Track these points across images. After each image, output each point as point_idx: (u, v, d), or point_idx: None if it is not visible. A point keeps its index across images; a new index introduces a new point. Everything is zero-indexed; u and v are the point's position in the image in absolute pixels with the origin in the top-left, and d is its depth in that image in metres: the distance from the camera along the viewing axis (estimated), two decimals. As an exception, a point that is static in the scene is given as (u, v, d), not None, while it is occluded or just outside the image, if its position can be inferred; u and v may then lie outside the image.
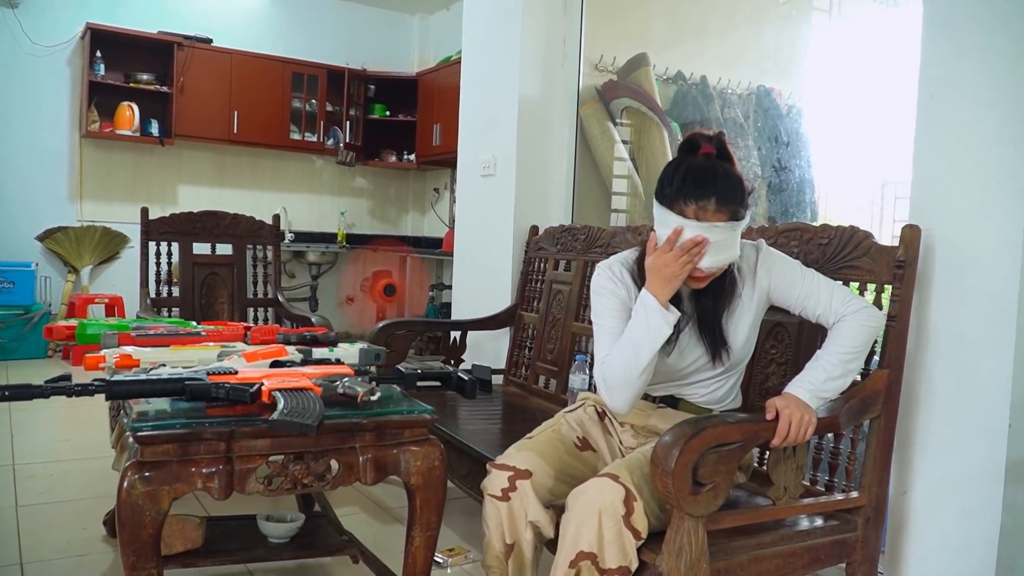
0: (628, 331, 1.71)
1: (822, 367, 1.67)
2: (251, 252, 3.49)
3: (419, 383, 1.82)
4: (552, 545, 1.80)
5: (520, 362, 3.22)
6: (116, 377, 1.53)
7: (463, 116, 3.72)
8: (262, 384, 1.57)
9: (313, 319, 3.05)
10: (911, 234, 1.81)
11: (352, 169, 6.81)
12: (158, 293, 3.33)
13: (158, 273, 3.31)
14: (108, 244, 5.99)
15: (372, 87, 6.71)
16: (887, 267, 1.84)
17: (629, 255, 1.88)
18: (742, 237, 1.75)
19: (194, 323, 2.37)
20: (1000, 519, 1.73)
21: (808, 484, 1.90)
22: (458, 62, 5.99)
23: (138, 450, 1.43)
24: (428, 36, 7.02)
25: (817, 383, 1.65)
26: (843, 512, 1.80)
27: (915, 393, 1.88)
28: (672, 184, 1.67)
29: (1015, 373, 1.72)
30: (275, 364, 1.79)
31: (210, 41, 6.09)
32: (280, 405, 1.49)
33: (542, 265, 3.21)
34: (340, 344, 2.14)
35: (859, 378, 1.84)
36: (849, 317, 1.71)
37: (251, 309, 3.45)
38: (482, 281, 3.58)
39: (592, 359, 2.79)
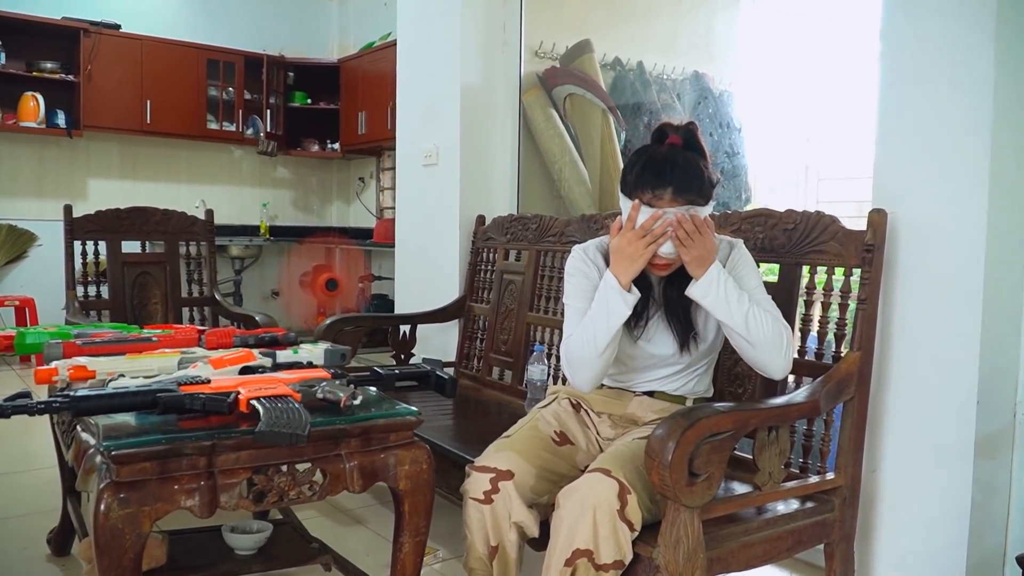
0: (590, 311, 1.73)
1: (740, 292, 1.68)
2: (183, 249, 3.33)
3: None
4: (534, 543, 1.79)
5: (471, 354, 3.18)
6: (80, 391, 1.42)
7: (400, 105, 3.63)
8: (239, 393, 1.49)
9: (258, 318, 2.93)
10: (878, 218, 1.85)
11: (273, 159, 6.60)
12: (85, 295, 3.14)
13: (85, 274, 3.13)
14: (14, 243, 5.64)
15: (291, 74, 6.49)
16: (855, 251, 1.88)
17: (606, 239, 1.88)
18: (720, 233, 1.79)
19: (137, 327, 2.24)
20: (971, 494, 1.80)
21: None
22: (382, 48, 5.88)
23: (113, 470, 1.33)
24: (348, 21, 6.83)
25: (730, 283, 1.67)
26: (821, 494, 1.84)
27: (884, 374, 1.94)
28: (632, 172, 1.70)
29: (982, 350, 1.78)
30: (245, 370, 1.70)
31: (118, 27, 5.77)
32: (262, 415, 1.41)
33: (491, 255, 3.16)
34: (302, 344, 2.05)
35: (831, 361, 1.90)
36: (777, 322, 1.71)
37: (186, 309, 3.30)
38: (427, 273, 3.51)
39: (550, 349, 2.78)
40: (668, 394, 1.87)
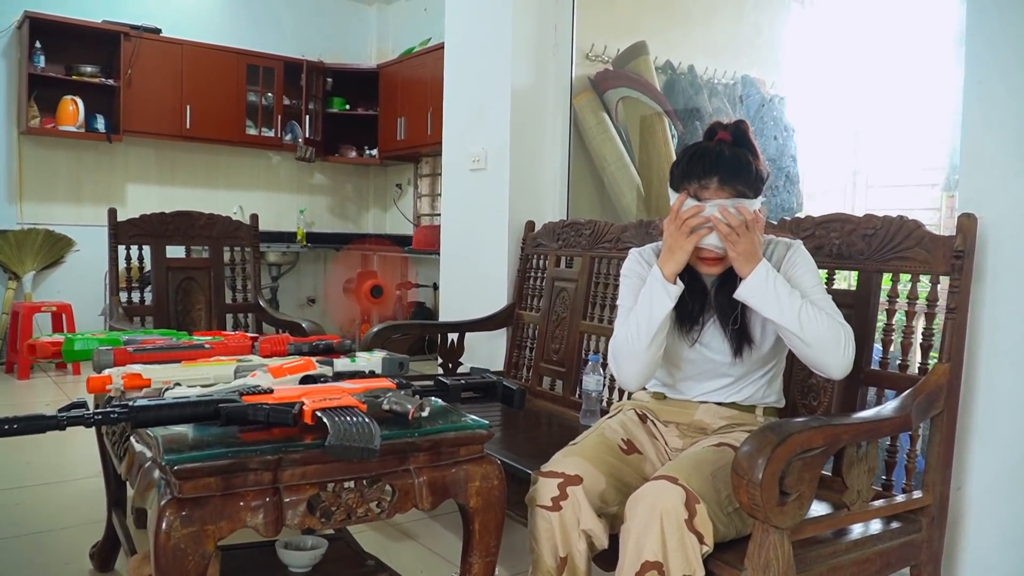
0: (636, 306, 1.71)
1: (791, 290, 1.61)
2: (227, 254, 3.29)
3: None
4: (601, 559, 1.70)
5: (520, 363, 3.10)
6: (138, 401, 1.36)
7: (447, 108, 3.57)
8: (303, 403, 1.42)
9: (304, 324, 2.87)
10: (969, 223, 1.75)
11: (311, 165, 6.57)
12: (128, 300, 3.10)
13: (129, 279, 3.09)
14: (51, 248, 5.65)
15: (330, 80, 6.47)
16: (943, 258, 1.77)
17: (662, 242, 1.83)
18: (779, 235, 1.77)
19: (185, 333, 2.18)
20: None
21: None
22: (422, 54, 5.85)
23: (175, 485, 1.26)
24: (387, 27, 6.81)
25: (779, 280, 1.60)
26: (908, 513, 1.73)
27: (971, 386, 1.82)
28: (679, 166, 1.68)
29: (1081, 364, 1.67)
30: (306, 379, 1.63)
31: (159, 31, 5.79)
32: (330, 427, 1.34)
33: (541, 262, 3.08)
34: (359, 353, 1.99)
35: (917, 373, 1.80)
36: (833, 320, 1.62)
37: (230, 315, 3.25)
38: (473, 280, 3.44)
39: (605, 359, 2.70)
40: (738, 404, 1.79)
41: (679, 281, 1.66)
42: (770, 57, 4.07)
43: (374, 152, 6.44)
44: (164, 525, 1.23)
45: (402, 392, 1.57)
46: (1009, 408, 1.78)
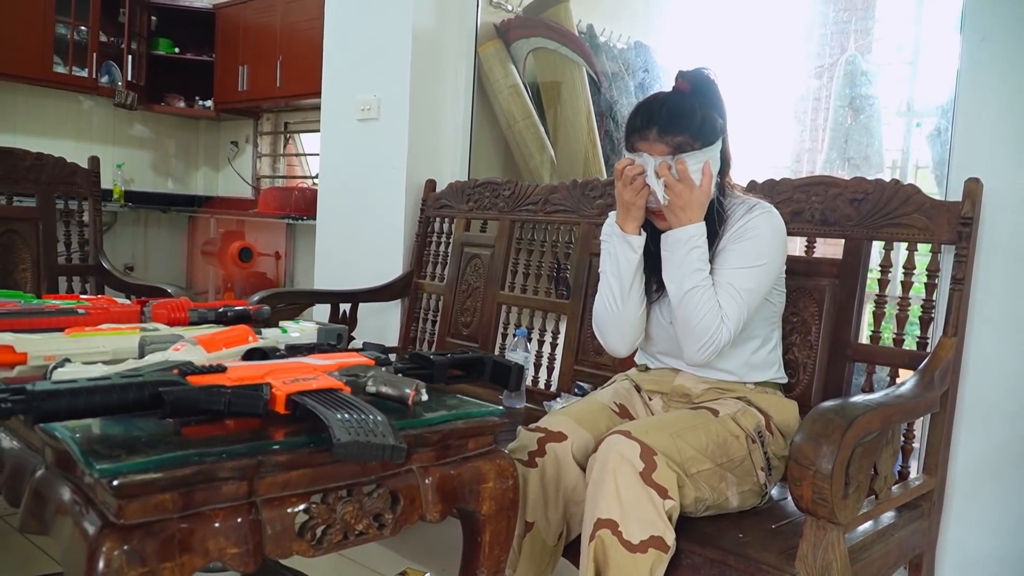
0: (606, 268, 1.64)
1: (701, 268, 1.51)
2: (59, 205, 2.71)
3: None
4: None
5: (420, 338, 2.77)
6: (39, 385, 0.94)
7: (328, 49, 3.13)
8: (270, 386, 1.05)
9: (170, 290, 2.39)
10: (976, 188, 1.65)
11: (131, 114, 5.74)
12: (-72, 258, 2.46)
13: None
14: None
15: (155, 18, 5.67)
16: (947, 225, 1.66)
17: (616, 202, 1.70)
18: (755, 196, 1.64)
19: (33, 296, 1.68)
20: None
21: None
22: (268, -5, 5.25)
23: (112, 507, 0.86)
24: (221, -36, 6.07)
25: (697, 253, 1.51)
26: (915, 499, 1.62)
27: (963, 361, 1.73)
28: (628, 123, 1.58)
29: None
30: (251, 354, 1.25)
31: (-59, -59, 4.80)
32: (330, 420, 0.99)
33: (445, 225, 2.76)
34: (285, 323, 1.61)
35: (915, 348, 1.68)
36: (718, 308, 1.51)
37: (63, 279, 2.68)
38: (359, 245, 3.04)
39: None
40: (723, 380, 1.63)
41: (643, 232, 1.57)
42: (659, 25, 3.93)
43: (208, 103, 5.73)
44: (102, 566, 0.83)
45: (382, 370, 1.23)
46: (999, 384, 1.70)
